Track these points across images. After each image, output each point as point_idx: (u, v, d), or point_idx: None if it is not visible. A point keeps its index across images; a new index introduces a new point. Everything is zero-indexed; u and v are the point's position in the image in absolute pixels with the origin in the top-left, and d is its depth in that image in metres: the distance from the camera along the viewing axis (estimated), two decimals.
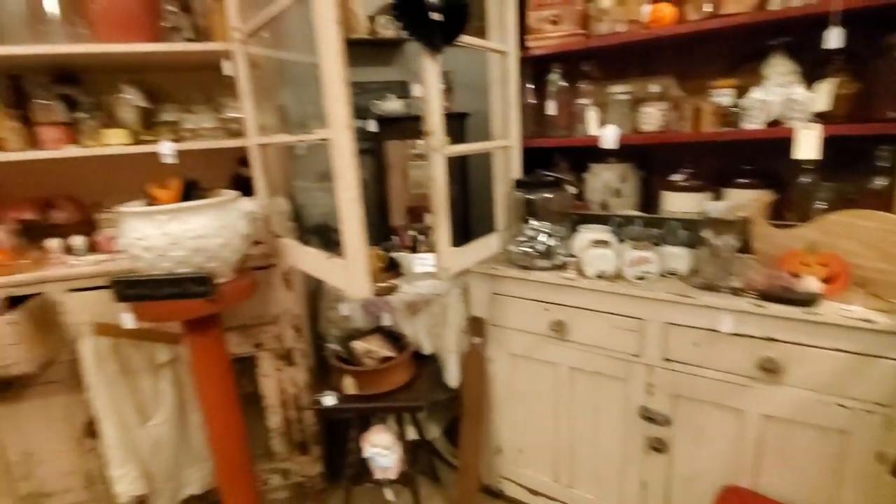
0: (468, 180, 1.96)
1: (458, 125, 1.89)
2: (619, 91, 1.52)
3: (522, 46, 1.56)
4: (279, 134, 1.61)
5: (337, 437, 2.00)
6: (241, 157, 1.69)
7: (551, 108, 1.58)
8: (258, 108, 1.52)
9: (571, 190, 1.67)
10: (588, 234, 1.47)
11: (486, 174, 1.65)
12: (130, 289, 1.17)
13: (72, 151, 1.50)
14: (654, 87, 1.49)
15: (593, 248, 1.40)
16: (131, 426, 1.41)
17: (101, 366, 1.34)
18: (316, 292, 1.85)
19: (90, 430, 1.52)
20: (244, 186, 1.55)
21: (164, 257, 1.16)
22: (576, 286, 1.40)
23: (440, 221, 1.25)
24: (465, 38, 1.26)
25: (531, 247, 1.51)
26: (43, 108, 1.52)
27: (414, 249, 1.80)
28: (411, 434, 1.79)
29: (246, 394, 1.62)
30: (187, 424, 1.53)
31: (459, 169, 1.90)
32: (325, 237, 1.61)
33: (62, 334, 1.45)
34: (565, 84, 1.58)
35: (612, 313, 1.37)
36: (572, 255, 1.48)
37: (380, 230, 1.94)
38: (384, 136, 1.88)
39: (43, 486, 1.59)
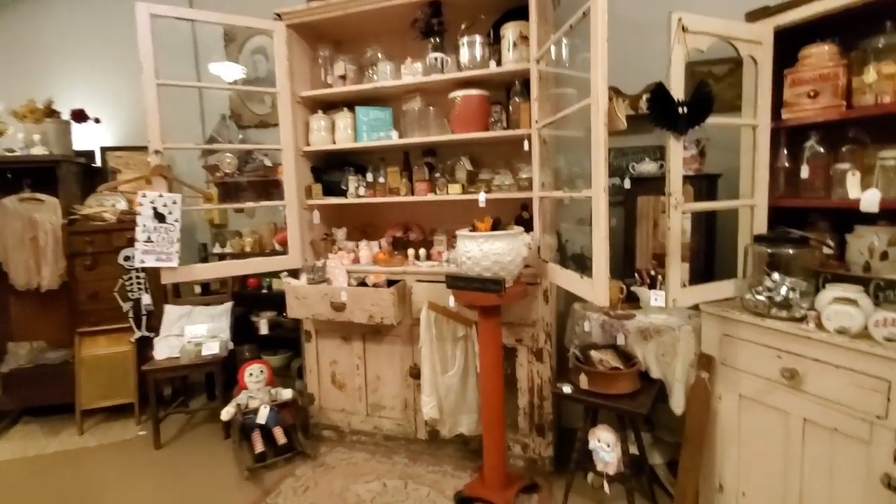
0: (715, 230, 2.15)
1: (710, 184, 2.11)
2: (891, 156, 1.53)
3: (777, 118, 1.74)
4: (554, 190, 2.19)
5: (567, 434, 2.41)
6: (523, 204, 2.36)
7: (805, 171, 1.68)
8: (541, 171, 2.14)
9: (826, 249, 1.71)
10: (834, 291, 1.52)
11: (735, 225, 1.85)
12: (456, 281, 1.91)
13: (430, 197, 2.43)
14: None
15: (836, 304, 1.46)
16: (437, 373, 2.17)
17: (428, 330, 2.14)
18: (566, 311, 2.35)
19: (413, 371, 2.37)
20: (525, 223, 2.20)
21: (477, 264, 1.85)
22: (812, 338, 1.48)
23: (672, 262, 1.58)
24: (711, 120, 1.58)
25: (769, 296, 1.64)
26: (417, 171, 2.52)
27: (652, 286, 2.09)
28: (632, 448, 2.05)
29: (505, 376, 2.21)
30: (467, 383, 2.22)
31: (707, 220, 2.12)
32: (580, 263, 2.08)
33: (410, 307, 2.36)
34: (821, 150, 1.67)
35: (853, 370, 1.39)
36: (813, 310, 1.55)
37: (624, 269, 2.31)
38: (637, 191, 2.26)
39: (381, 401, 2.53)
